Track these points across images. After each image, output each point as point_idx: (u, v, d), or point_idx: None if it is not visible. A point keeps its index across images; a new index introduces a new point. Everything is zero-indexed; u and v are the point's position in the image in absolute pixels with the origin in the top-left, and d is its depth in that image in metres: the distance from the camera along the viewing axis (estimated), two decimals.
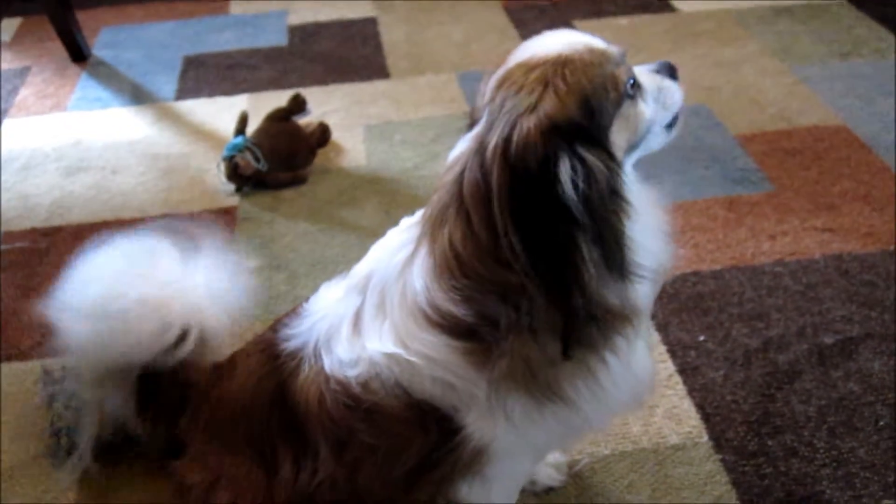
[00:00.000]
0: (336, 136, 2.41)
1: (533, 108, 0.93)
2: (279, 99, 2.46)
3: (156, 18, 3.27)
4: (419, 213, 1.09)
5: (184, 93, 2.73)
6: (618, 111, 0.99)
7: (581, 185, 0.91)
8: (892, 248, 1.90)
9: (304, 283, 1.89)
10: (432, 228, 1.02)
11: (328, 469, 1.11)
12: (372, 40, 3.00)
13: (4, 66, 2.97)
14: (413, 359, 1.02)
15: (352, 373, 1.06)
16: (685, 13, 3.05)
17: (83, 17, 3.07)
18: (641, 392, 1.16)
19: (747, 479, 1.43)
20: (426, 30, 3.05)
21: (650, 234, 1.03)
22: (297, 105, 2.38)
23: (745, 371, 1.62)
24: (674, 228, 1.09)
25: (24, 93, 2.78)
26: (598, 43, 1.01)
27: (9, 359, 1.72)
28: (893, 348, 1.65)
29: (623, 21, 3.03)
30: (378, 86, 2.70)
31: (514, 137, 0.92)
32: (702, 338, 1.70)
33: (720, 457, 1.47)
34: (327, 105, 2.58)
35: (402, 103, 2.59)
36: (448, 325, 1.00)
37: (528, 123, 0.92)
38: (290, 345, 1.15)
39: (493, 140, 0.93)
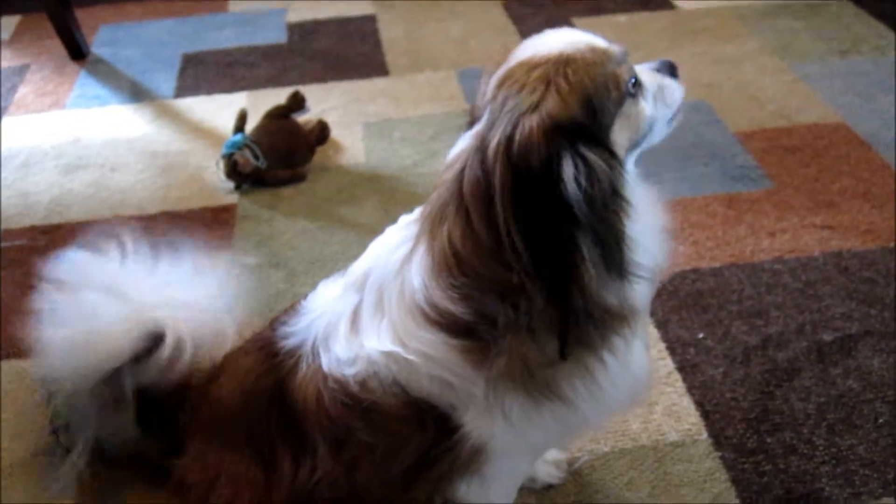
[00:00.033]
0: (335, 133, 2.41)
1: (535, 107, 0.93)
2: (278, 96, 2.46)
3: (154, 16, 3.26)
4: (418, 211, 1.09)
5: (183, 90, 2.73)
6: (619, 110, 0.99)
7: (584, 184, 0.91)
8: (891, 245, 1.90)
9: (304, 280, 1.89)
10: (431, 226, 1.02)
11: (326, 467, 1.11)
12: (371, 38, 3.00)
13: (3, 63, 2.97)
14: (411, 357, 1.02)
15: (349, 371, 1.06)
16: (684, 10, 3.05)
17: (82, 15, 3.07)
18: (639, 391, 1.16)
19: (746, 477, 1.43)
20: (425, 27, 3.05)
21: (649, 233, 1.03)
22: (296, 103, 2.38)
23: (745, 368, 1.62)
24: (673, 226, 1.09)
25: (23, 90, 2.78)
26: (599, 42, 1.01)
27: (8, 356, 1.72)
28: (893, 346, 1.65)
29: (622, 18, 3.02)
30: (377, 83, 2.70)
31: (517, 136, 0.92)
32: (701, 335, 1.70)
33: (719, 454, 1.47)
34: (326, 102, 2.58)
35: (401, 101, 2.59)
36: (446, 324, 1.00)
37: (531, 122, 0.92)
38: (288, 343, 1.15)
39: (495, 139, 0.93)
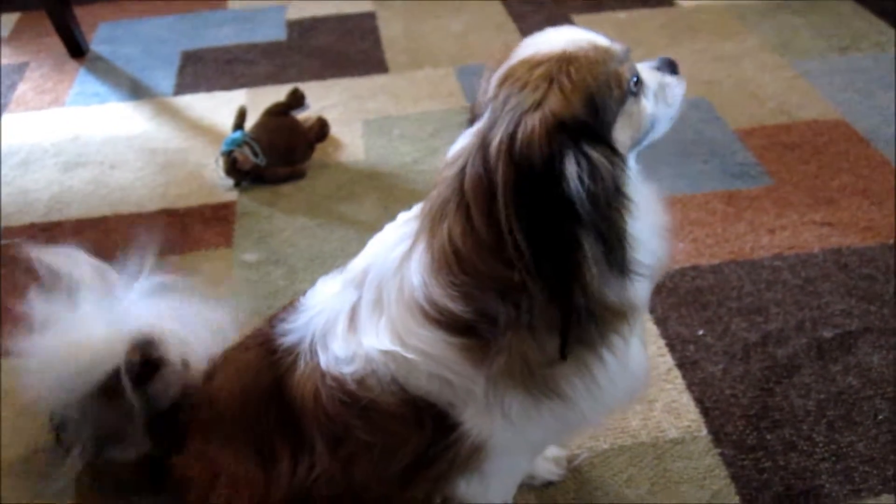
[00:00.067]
0: (334, 130, 2.41)
1: (538, 105, 0.93)
2: (277, 94, 2.46)
3: (154, 13, 3.26)
4: (416, 208, 1.09)
5: (182, 88, 2.73)
6: (621, 108, 0.99)
7: (586, 181, 0.91)
8: (891, 241, 1.90)
9: (303, 277, 1.89)
10: (431, 223, 1.01)
11: (324, 465, 1.10)
12: (370, 35, 3.00)
13: (3, 61, 2.97)
14: (410, 355, 1.02)
15: (347, 370, 1.06)
16: (684, 7, 3.05)
17: (81, 13, 3.07)
18: (637, 388, 1.16)
19: (746, 473, 1.43)
20: (424, 24, 3.05)
21: (650, 231, 1.03)
22: (296, 100, 2.38)
23: (744, 365, 1.62)
24: (673, 223, 1.09)
25: (23, 88, 2.78)
26: (601, 40, 1.01)
27: (8, 354, 1.72)
28: (892, 342, 1.65)
29: (622, 15, 3.02)
30: (376, 80, 2.70)
31: (520, 134, 0.91)
32: (701, 332, 1.70)
33: (719, 451, 1.47)
34: (326, 100, 2.58)
35: (400, 98, 2.58)
36: (446, 322, 1.00)
37: (534, 120, 0.92)
38: (287, 340, 1.14)
39: (498, 136, 0.93)
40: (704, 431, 1.50)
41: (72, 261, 1.27)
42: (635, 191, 0.99)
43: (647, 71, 1.07)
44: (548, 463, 1.43)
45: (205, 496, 1.18)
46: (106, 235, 2.06)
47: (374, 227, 1.16)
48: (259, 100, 2.49)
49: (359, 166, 2.28)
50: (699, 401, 1.56)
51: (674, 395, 1.57)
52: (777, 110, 2.40)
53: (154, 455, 1.26)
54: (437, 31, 2.99)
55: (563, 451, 1.46)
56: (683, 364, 1.63)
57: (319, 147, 2.34)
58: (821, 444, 1.47)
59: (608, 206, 0.94)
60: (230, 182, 2.21)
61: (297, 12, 3.19)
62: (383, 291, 1.05)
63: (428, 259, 1.01)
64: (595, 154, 0.92)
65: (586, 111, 0.94)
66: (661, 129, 1.08)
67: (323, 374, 1.08)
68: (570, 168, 0.90)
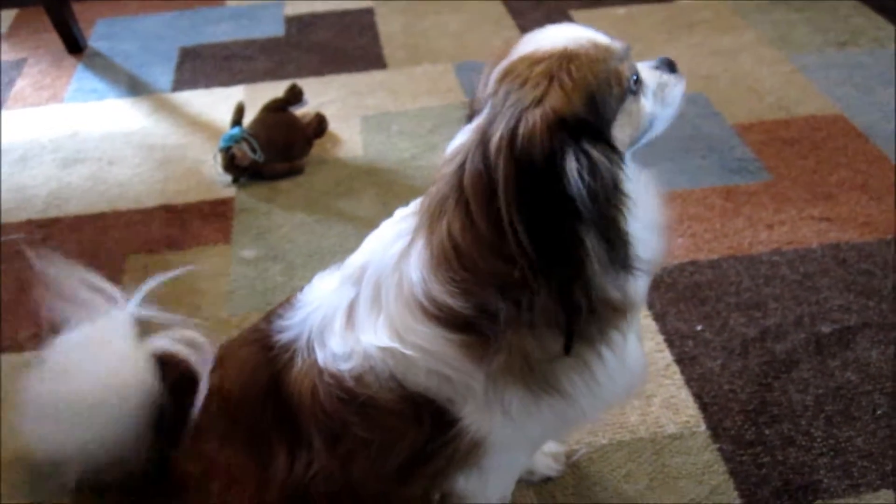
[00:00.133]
0: (333, 126, 2.41)
1: (538, 102, 0.92)
2: (276, 90, 2.46)
3: (152, 10, 3.26)
4: (414, 204, 1.09)
5: (180, 84, 2.72)
6: (621, 106, 0.99)
7: (586, 179, 0.91)
8: (889, 237, 1.90)
9: (301, 273, 1.89)
10: (430, 220, 1.01)
11: (322, 461, 1.11)
12: (369, 31, 2.99)
13: (1, 57, 2.97)
14: (409, 352, 1.02)
15: (345, 366, 1.06)
16: (682, 3, 3.05)
17: (79, 9, 3.06)
18: (635, 384, 1.16)
19: (745, 469, 1.43)
20: (423, 20, 3.04)
21: (648, 227, 1.03)
22: (294, 96, 2.37)
23: (743, 360, 1.62)
24: (671, 218, 1.09)
25: (21, 84, 2.78)
26: (602, 38, 1.01)
27: (7, 350, 1.72)
28: (891, 337, 1.65)
29: (620, 10, 3.02)
30: (375, 76, 2.69)
31: (520, 130, 0.91)
32: (699, 327, 1.70)
33: (718, 446, 1.47)
34: (324, 96, 2.58)
35: (399, 94, 2.58)
36: (445, 318, 1.00)
37: (535, 117, 0.91)
38: (284, 336, 1.14)
39: (498, 132, 0.93)
40: (703, 427, 1.51)
41: (73, 281, 1.26)
42: (633, 187, 0.99)
43: (646, 70, 1.07)
44: (546, 458, 1.43)
45: (203, 494, 1.19)
46: (104, 232, 2.07)
47: (373, 224, 1.16)
48: (257, 96, 2.49)
49: (357, 162, 2.28)
50: (698, 396, 1.56)
51: (672, 391, 1.57)
52: (775, 105, 2.40)
53: (153, 455, 1.26)
54: (436, 27, 2.98)
55: (562, 447, 1.46)
56: (682, 359, 1.63)
57: (318, 143, 2.34)
58: (819, 439, 1.47)
59: (607, 203, 0.94)
60: (228, 178, 2.21)
61: (295, 8, 3.19)
62: (381, 288, 1.05)
63: (427, 255, 1.01)
64: (595, 152, 0.93)
65: (587, 109, 0.94)
66: (659, 129, 1.08)
67: (320, 371, 1.08)
68: (571, 165, 0.90)
